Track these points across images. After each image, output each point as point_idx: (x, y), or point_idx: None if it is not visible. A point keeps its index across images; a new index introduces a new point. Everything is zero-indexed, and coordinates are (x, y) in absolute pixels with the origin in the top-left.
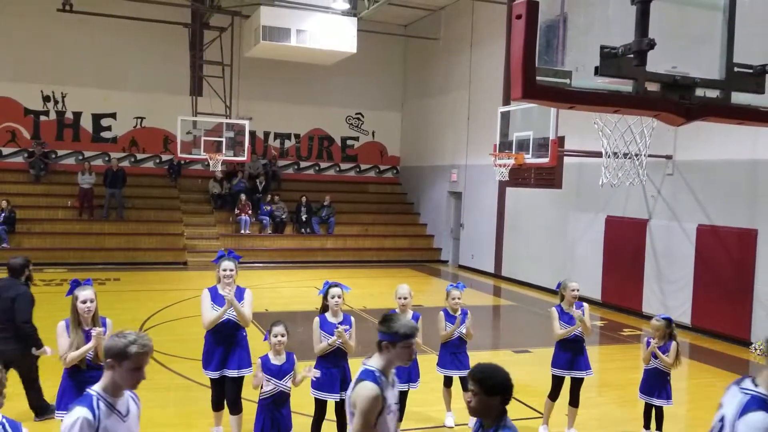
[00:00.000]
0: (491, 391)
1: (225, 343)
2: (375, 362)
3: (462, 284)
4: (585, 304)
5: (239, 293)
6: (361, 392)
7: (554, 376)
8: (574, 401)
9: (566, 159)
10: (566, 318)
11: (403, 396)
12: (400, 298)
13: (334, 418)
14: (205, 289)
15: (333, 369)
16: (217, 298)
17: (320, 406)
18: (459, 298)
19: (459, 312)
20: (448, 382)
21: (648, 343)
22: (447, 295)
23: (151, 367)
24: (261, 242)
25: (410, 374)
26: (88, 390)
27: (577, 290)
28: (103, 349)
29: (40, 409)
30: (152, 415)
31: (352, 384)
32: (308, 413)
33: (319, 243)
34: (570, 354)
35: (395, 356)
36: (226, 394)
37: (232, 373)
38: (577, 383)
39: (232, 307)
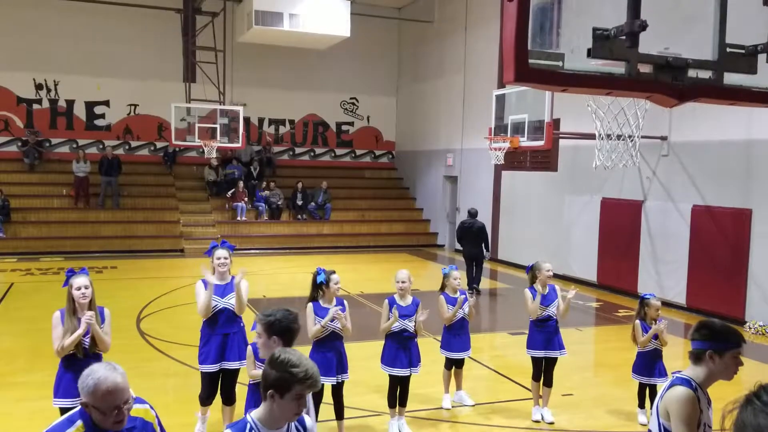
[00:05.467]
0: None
1: (223, 334)
2: (691, 373)
3: (455, 267)
4: (556, 285)
5: (233, 283)
6: (674, 394)
7: (532, 358)
8: (548, 381)
9: (561, 141)
10: (540, 299)
11: (405, 381)
12: (398, 283)
13: (331, 401)
14: (198, 281)
15: (329, 353)
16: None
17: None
18: (460, 279)
19: (458, 293)
20: (449, 364)
21: (645, 327)
22: (447, 277)
23: (149, 354)
24: (257, 229)
25: (411, 359)
26: None
27: (551, 271)
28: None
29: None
30: (151, 402)
31: (660, 394)
32: None
33: (316, 229)
34: (544, 335)
35: (722, 368)
36: (222, 386)
37: (232, 365)
38: (550, 363)
39: (229, 296)
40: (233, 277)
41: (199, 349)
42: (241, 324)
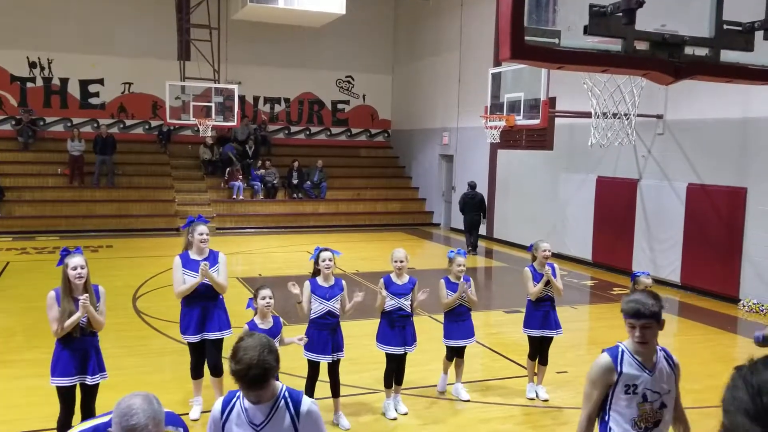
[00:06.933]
0: None
1: (202, 306)
2: (627, 340)
3: (463, 251)
4: (555, 264)
5: (213, 257)
6: (594, 361)
7: (529, 337)
8: (543, 360)
9: (557, 120)
10: (539, 278)
11: (401, 359)
12: (395, 262)
13: (327, 379)
14: (176, 257)
15: (324, 331)
16: (189, 264)
17: (313, 367)
18: (464, 265)
19: (462, 279)
20: (450, 355)
21: None
22: (451, 262)
23: (145, 332)
24: (253, 207)
25: (406, 338)
26: None
27: (549, 251)
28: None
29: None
30: (148, 380)
31: None
32: (302, 375)
33: (312, 208)
34: (541, 314)
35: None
36: (207, 358)
37: (213, 335)
38: (546, 342)
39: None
40: (211, 251)
41: (180, 320)
42: (220, 296)
